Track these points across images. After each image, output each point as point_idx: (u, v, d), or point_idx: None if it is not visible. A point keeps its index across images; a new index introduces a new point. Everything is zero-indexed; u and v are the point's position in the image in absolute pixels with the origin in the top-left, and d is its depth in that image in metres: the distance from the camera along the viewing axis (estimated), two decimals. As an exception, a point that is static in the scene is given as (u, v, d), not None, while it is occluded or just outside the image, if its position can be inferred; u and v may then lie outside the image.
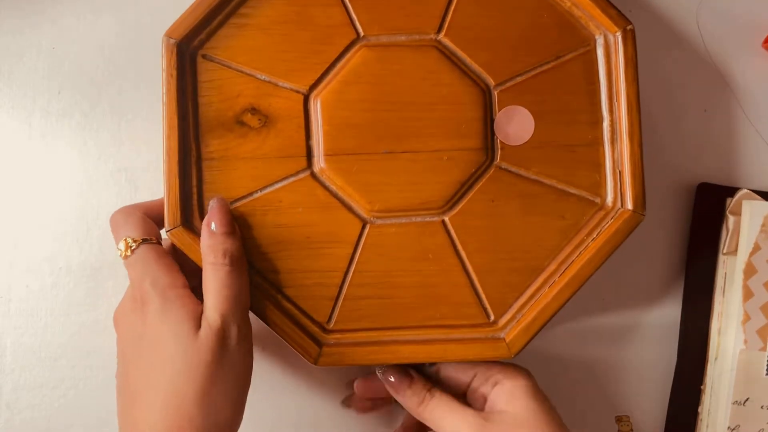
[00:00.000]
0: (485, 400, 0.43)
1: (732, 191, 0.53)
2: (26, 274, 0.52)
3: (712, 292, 0.53)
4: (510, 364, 0.44)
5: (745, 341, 0.51)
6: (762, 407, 0.51)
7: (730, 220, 0.52)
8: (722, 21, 0.55)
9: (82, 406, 0.51)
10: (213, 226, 0.41)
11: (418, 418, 0.43)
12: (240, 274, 0.41)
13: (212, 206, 0.42)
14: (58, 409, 0.51)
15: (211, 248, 0.40)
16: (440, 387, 0.44)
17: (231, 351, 0.39)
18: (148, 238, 0.41)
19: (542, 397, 0.42)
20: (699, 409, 0.52)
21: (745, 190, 0.53)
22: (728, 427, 0.51)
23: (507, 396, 0.42)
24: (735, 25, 0.55)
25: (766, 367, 0.51)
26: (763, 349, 0.51)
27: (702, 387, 0.52)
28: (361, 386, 0.48)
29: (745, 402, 0.51)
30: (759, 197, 0.52)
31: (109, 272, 0.51)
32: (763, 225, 0.51)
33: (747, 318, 0.51)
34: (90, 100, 0.52)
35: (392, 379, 0.44)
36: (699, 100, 0.55)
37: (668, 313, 0.54)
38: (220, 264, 0.40)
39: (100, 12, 0.53)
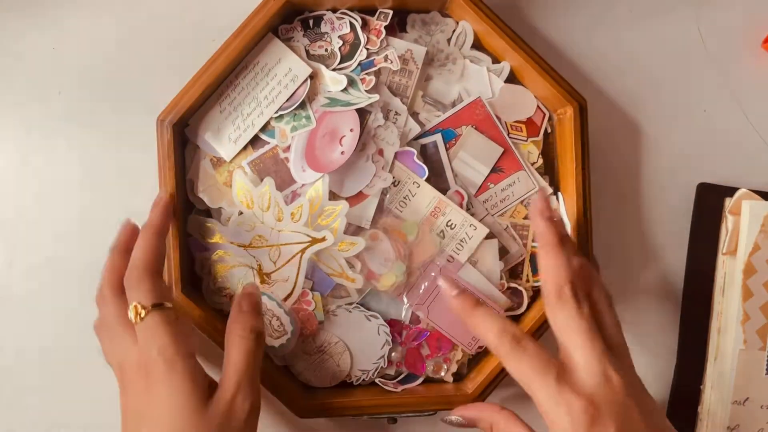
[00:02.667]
0: None
1: (732, 191, 0.53)
2: (26, 274, 0.51)
3: (712, 292, 0.53)
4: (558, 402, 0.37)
5: (745, 341, 0.51)
6: (762, 407, 0.51)
7: (730, 219, 0.52)
8: (722, 21, 0.55)
9: (81, 406, 0.51)
10: (243, 305, 0.42)
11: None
12: (261, 352, 0.42)
13: (244, 289, 0.44)
14: (58, 409, 0.51)
15: (239, 323, 0.41)
16: None
17: (241, 422, 0.38)
18: (159, 302, 0.40)
19: None
20: (699, 409, 0.52)
21: (745, 190, 0.53)
22: (728, 427, 0.51)
23: None
24: (735, 25, 0.55)
25: (765, 367, 0.51)
26: (763, 348, 0.51)
27: (702, 387, 0.52)
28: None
29: (744, 402, 0.51)
30: (759, 197, 0.52)
31: (110, 272, 0.51)
32: (763, 225, 0.51)
33: (747, 318, 0.51)
34: (90, 100, 0.52)
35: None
36: (699, 100, 0.55)
37: (668, 313, 0.54)
38: (246, 338, 0.40)
39: (100, 13, 0.53)
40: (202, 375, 0.39)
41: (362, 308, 0.48)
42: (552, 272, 0.40)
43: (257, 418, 0.40)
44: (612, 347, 0.39)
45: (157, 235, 0.43)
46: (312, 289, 0.48)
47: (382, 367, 0.49)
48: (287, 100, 0.48)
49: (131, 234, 0.44)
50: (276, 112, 0.48)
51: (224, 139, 0.48)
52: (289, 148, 0.48)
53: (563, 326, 0.39)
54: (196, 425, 0.37)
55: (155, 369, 0.38)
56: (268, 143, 0.48)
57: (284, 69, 0.48)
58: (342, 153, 0.47)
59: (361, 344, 0.48)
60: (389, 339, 0.48)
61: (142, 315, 0.39)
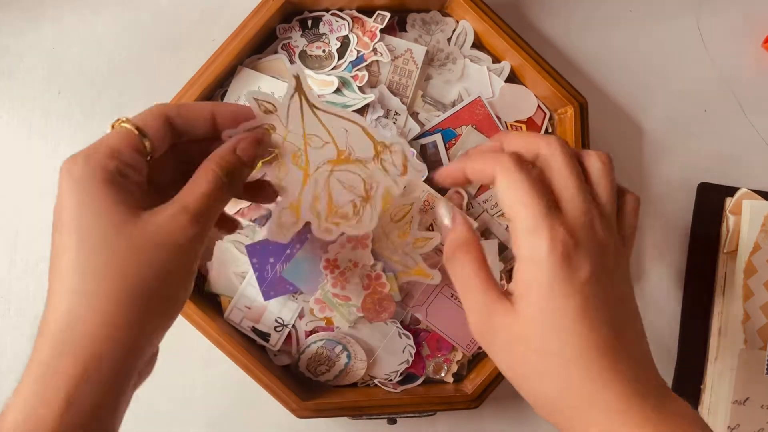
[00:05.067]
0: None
1: (732, 191, 0.53)
2: (26, 275, 0.51)
3: (712, 291, 0.53)
4: (539, 226, 0.31)
5: (745, 341, 0.51)
6: (762, 407, 0.51)
7: (730, 219, 0.52)
8: (722, 21, 0.55)
9: (82, 407, 0.51)
10: (240, 148, 0.36)
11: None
12: (226, 199, 0.35)
13: (254, 133, 0.36)
14: (59, 410, 0.51)
15: (224, 158, 0.35)
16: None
17: (177, 245, 0.32)
18: (135, 126, 0.34)
19: (565, 288, 0.31)
20: (699, 409, 0.52)
21: (745, 190, 0.53)
22: (728, 427, 0.51)
23: (522, 281, 0.32)
24: (735, 25, 0.55)
25: (766, 367, 0.51)
26: (763, 348, 0.51)
27: (702, 386, 0.52)
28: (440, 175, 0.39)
29: (745, 401, 0.51)
30: (759, 197, 0.52)
31: (110, 272, 0.51)
32: (763, 224, 0.51)
33: (747, 318, 0.51)
34: (90, 100, 0.52)
35: (444, 218, 0.37)
36: (699, 100, 0.55)
37: (668, 313, 0.54)
38: (222, 176, 0.34)
39: (100, 12, 0.53)
40: (134, 188, 0.33)
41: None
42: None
43: (196, 259, 0.33)
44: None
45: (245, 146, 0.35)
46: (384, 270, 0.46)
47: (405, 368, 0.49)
48: None
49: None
50: None
51: None
52: None
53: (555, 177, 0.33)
54: (109, 233, 0.31)
55: (74, 167, 0.33)
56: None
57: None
58: None
59: (380, 349, 0.49)
60: (410, 343, 0.48)
61: (113, 125, 0.34)
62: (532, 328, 0.32)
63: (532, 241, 0.32)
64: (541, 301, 0.31)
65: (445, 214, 0.38)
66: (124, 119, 0.34)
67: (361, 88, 0.48)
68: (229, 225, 0.42)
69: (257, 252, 0.47)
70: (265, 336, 0.48)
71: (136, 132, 0.33)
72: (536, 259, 0.31)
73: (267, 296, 0.47)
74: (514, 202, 0.32)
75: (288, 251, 0.47)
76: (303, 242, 0.46)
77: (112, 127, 0.34)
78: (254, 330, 0.48)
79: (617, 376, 0.30)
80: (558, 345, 0.31)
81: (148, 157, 0.34)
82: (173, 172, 0.37)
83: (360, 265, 0.46)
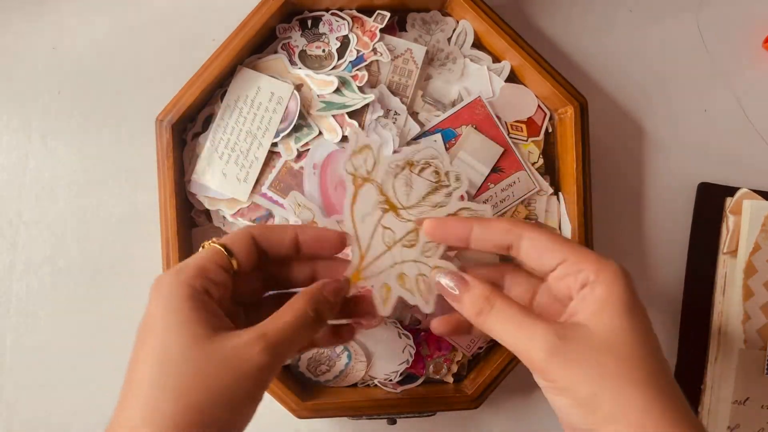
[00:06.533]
0: (569, 297, 0.35)
1: (732, 191, 0.53)
2: (26, 274, 0.51)
3: (712, 292, 0.53)
4: (606, 260, 0.35)
5: (745, 341, 0.51)
6: (762, 407, 0.51)
7: (730, 219, 0.52)
8: (722, 21, 0.55)
9: (81, 406, 0.51)
10: (327, 290, 0.37)
11: (480, 329, 0.37)
12: (308, 336, 0.36)
13: (340, 283, 0.38)
14: (58, 409, 0.51)
15: (313, 297, 0.36)
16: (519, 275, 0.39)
17: (247, 371, 0.32)
18: (223, 246, 0.36)
19: (638, 313, 0.34)
20: (699, 409, 0.52)
21: (745, 190, 0.53)
22: (728, 427, 0.51)
23: (594, 305, 0.34)
24: (735, 25, 0.55)
25: (766, 367, 0.51)
26: (763, 348, 0.51)
27: (702, 387, 0.52)
28: (438, 326, 0.42)
29: (745, 401, 0.51)
30: (759, 197, 0.52)
31: (109, 272, 0.51)
32: (764, 224, 0.51)
33: (747, 318, 0.51)
34: (90, 100, 0.52)
35: (447, 284, 0.38)
36: (699, 100, 0.55)
37: (668, 312, 0.54)
38: (308, 312, 0.35)
39: (100, 12, 0.53)
40: (216, 307, 0.34)
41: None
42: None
43: (262, 387, 0.34)
44: None
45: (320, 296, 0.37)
46: None
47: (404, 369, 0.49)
48: (282, 122, 0.47)
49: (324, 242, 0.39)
50: (276, 136, 0.47)
51: (233, 181, 0.47)
52: (299, 158, 0.47)
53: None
54: (184, 350, 0.31)
55: (163, 282, 0.34)
56: (279, 160, 0.48)
57: (266, 95, 0.47)
58: None
59: (380, 349, 0.48)
60: (410, 344, 0.48)
61: (204, 245, 0.37)
62: (612, 340, 0.33)
63: (603, 267, 0.35)
64: (614, 319, 0.33)
65: (450, 284, 0.38)
66: (214, 239, 0.37)
67: (360, 88, 0.47)
68: (344, 334, 0.42)
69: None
70: None
71: (224, 252, 0.36)
72: (608, 282, 0.34)
73: None
74: (567, 242, 0.36)
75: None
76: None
77: (203, 247, 0.37)
78: None
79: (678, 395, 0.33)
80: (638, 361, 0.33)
81: (233, 273, 0.36)
82: (260, 292, 0.39)
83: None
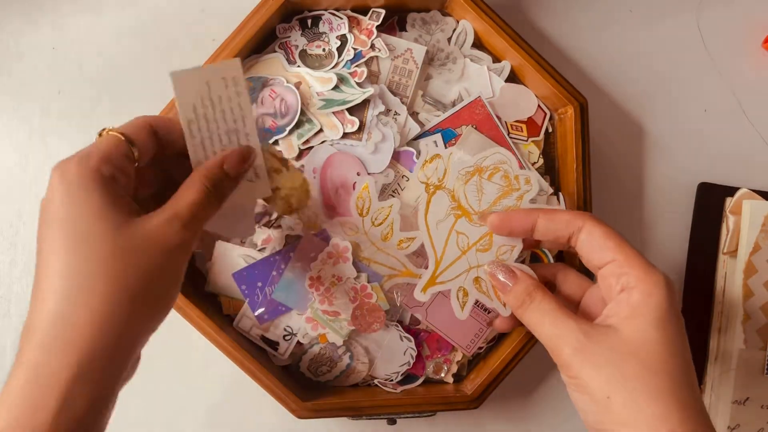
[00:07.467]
0: (609, 298, 0.37)
1: (732, 191, 0.53)
2: (26, 274, 0.51)
3: (712, 292, 0.53)
4: (653, 268, 0.36)
5: (745, 341, 0.51)
6: (762, 406, 0.51)
7: (730, 219, 0.52)
8: (722, 21, 0.55)
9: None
10: (228, 164, 0.36)
11: (521, 321, 0.39)
12: (214, 209, 0.35)
13: (236, 150, 0.37)
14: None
15: (213, 172, 0.35)
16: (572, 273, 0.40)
17: (165, 252, 0.32)
18: (122, 134, 0.34)
19: (672, 324, 0.34)
20: (699, 409, 0.52)
21: (745, 190, 0.53)
22: (728, 427, 0.51)
23: (629, 310, 0.34)
24: (735, 25, 0.55)
25: (766, 367, 0.51)
26: (763, 348, 0.51)
27: (702, 386, 0.52)
28: (501, 324, 0.43)
29: (745, 401, 0.51)
30: (759, 197, 0.52)
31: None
32: (763, 224, 0.51)
33: (747, 318, 0.51)
34: (90, 100, 0.52)
35: (500, 278, 0.40)
36: (699, 100, 0.55)
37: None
38: (210, 187, 0.35)
39: (100, 12, 0.53)
40: (125, 193, 0.33)
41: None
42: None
43: (184, 264, 0.34)
44: None
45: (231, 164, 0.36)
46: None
47: (406, 370, 0.49)
48: (283, 118, 0.47)
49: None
50: (279, 133, 0.47)
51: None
52: (300, 157, 0.47)
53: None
54: (105, 234, 0.31)
55: (69, 169, 0.32)
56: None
57: (219, 84, 0.38)
58: None
59: (383, 353, 0.48)
60: (412, 346, 0.48)
61: (101, 133, 0.35)
62: (638, 347, 0.33)
63: (647, 275, 0.35)
64: (644, 327, 0.34)
65: (500, 275, 0.40)
66: (111, 128, 0.35)
67: (360, 84, 0.47)
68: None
69: (244, 278, 0.47)
70: (273, 345, 0.48)
71: (125, 141, 0.34)
72: (647, 291, 0.34)
73: (261, 320, 0.47)
74: (620, 243, 0.36)
75: (274, 272, 0.47)
76: (287, 261, 0.46)
77: (100, 135, 0.35)
78: (263, 339, 0.48)
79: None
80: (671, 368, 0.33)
81: (135, 165, 0.35)
82: (153, 185, 0.38)
83: (344, 279, 0.46)
